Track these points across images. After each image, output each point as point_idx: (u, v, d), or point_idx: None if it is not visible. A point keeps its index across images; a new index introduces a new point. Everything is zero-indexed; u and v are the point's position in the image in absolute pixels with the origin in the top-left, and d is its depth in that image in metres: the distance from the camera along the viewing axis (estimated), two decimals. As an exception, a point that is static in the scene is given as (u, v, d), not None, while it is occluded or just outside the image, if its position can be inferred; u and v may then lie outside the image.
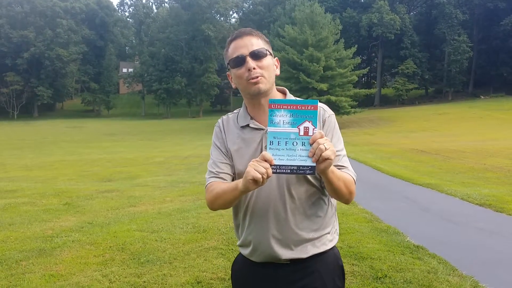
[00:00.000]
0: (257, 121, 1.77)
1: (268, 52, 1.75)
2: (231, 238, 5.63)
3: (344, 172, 1.70)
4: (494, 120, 43.76)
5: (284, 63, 47.38)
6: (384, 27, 66.90)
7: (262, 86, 1.70)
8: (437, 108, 56.88)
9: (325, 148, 1.43)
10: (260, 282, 1.80)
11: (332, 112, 1.81)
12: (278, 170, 1.49)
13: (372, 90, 61.47)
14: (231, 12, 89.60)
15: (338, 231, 1.89)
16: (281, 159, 1.48)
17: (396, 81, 68.45)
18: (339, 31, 51.60)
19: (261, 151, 1.70)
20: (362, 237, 5.67)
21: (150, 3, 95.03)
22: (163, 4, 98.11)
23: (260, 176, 1.44)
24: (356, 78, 50.92)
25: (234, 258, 2.00)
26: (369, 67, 71.11)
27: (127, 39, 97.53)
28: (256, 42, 1.73)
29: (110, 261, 4.92)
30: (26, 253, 5.28)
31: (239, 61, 1.71)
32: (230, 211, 1.85)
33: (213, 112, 77.87)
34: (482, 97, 65.62)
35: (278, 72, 1.82)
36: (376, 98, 70.99)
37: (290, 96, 1.83)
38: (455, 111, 52.55)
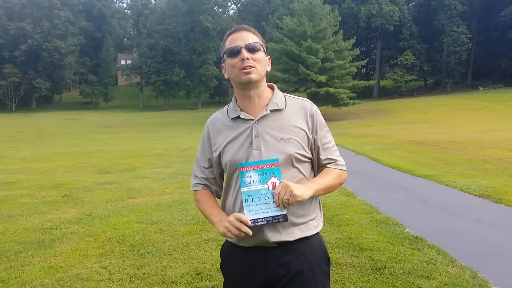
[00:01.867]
0: (247, 113, 1.89)
1: (262, 48, 1.89)
2: (230, 229, 5.62)
3: (329, 174, 1.89)
4: (492, 111, 43.77)
5: (283, 54, 47.16)
6: (383, 18, 66.71)
7: (254, 76, 1.83)
8: (435, 100, 56.85)
9: (283, 195, 1.68)
10: (249, 265, 1.87)
11: (316, 106, 1.96)
12: (256, 223, 1.72)
13: (371, 82, 61.34)
14: (229, 4, 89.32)
15: (322, 219, 1.99)
16: (257, 213, 1.73)
17: (395, 72, 68.36)
18: (338, 23, 51.34)
19: (251, 141, 1.83)
20: (361, 229, 5.67)
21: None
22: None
23: (231, 236, 1.73)
24: (355, 70, 50.76)
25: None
26: (368, 59, 70.83)
27: (125, 30, 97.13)
28: (252, 37, 1.87)
29: (109, 253, 4.92)
30: (25, 245, 5.28)
31: (235, 52, 1.84)
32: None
33: (212, 104, 77.79)
34: (481, 88, 65.57)
35: (269, 69, 1.95)
36: (375, 89, 70.94)
37: (277, 92, 1.96)
38: (453, 102, 52.54)
